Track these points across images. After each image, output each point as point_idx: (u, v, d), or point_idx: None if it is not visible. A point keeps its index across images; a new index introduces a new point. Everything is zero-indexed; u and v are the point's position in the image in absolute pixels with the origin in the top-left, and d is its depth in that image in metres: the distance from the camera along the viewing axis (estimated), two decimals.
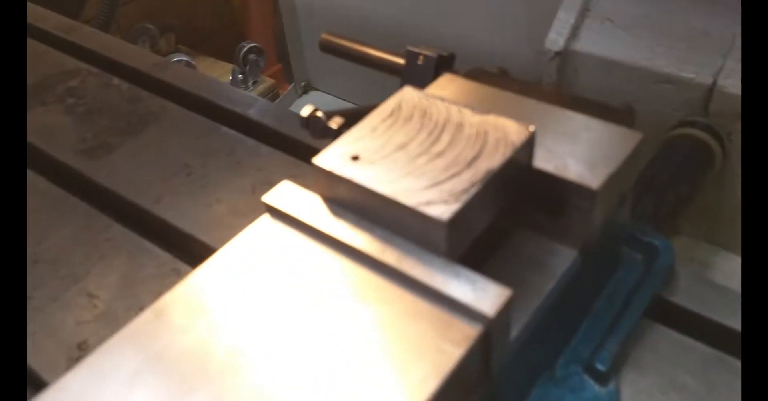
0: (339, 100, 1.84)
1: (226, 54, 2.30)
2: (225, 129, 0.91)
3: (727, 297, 0.63)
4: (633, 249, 0.66)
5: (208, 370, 0.42)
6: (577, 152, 0.53)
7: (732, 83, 1.11)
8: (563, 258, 0.54)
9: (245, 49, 2.19)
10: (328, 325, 0.44)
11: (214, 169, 0.85)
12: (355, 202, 0.49)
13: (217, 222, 0.77)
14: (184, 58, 2.20)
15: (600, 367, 0.57)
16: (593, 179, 0.51)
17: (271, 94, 2.22)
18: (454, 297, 0.44)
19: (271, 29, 2.46)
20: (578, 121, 0.57)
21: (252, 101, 0.94)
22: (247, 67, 2.20)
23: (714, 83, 1.14)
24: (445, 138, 0.50)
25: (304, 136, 0.83)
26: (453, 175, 0.47)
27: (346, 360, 0.42)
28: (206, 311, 0.46)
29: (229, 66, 2.22)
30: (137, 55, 1.06)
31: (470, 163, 0.48)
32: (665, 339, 0.62)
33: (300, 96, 1.88)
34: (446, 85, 0.62)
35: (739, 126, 1.13)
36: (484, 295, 0.43)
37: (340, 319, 0.44)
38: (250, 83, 2.23)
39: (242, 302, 0.46)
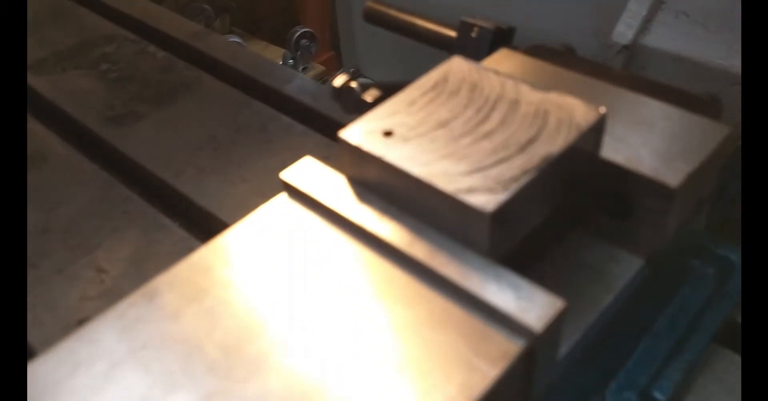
0: None
1: (280, 39, 2.25)
2: (259, 104, 0.85)
3: None
4: (704, 263, 0.57)
5: (197, 367, 0.36)
6: (654, 143, 0.45)
7: None
8: (627, 268, 0.46)
9: (297, 33, 2.14)
10: (342, 326, 0.37)
11: (242, 146, 0.79)
12: (384, 185, 0.42)
13: (240, 201, 0.71)
14: (237, 39, 2.17)
15: (659, 397, 0.49)
16: (671, 176, 0.43)
17: (321, 81, 2.17)
18: (493, 305, 0.36)
19: (327, 15, 2.41)
20: (656, 108, 0.49)
21: (290, 77, 0.87)
22: (299, 52, 2.15)
23: None
24: (496, 116, 0.42)
25: (343, 115, 0.76)
26: (502, 160, 0.39)
27: (360, 371, 0.35)
28: (205, 297, 0.39)
29: (281, 50, 2.17)
30: (177, 24, 1.00)
31: (524, 147, 0.40)
32: (734, 367, 0.53)
33: None
34: (503, 60, 0.55)
35: None
36: (530, 305, 0.36)
37: (356, 320, 0.37)
38: (300, 69, 2.18)
39: (247, 291, 0.40)
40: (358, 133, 0.42)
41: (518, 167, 0.39)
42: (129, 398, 0.35)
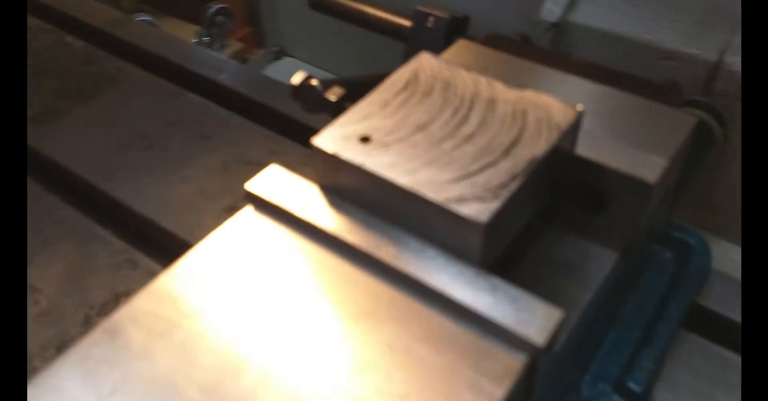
0: (317, 70, 1.72)
1: (192, 15, 2.15)
2: (191, 95, 0.80)
3: None
4: (663, 247, 0.58)
5: None
6: (625, 137, 0.45)
7: (739, 61, 1.04)
8: (603, 263, 0.46)
9: (213, 9, 2.05)
10: (333, 353, 0.35)
11: (178, 142, 0.74)
12: (364, 194, 0.39)
13: (181, 205, 0.66)
14: (147, 18, 2.05)
15: (634, 388, 0.49)
16: (648, 171, 0.42)
17: (239, 60, 2.09)
18: (492, 319, 0.35)
19: None
20: (621, 99, 0.49)
21: (223, 64, 0.83)
22: (215, 29, 2.06)
23: (719, 60, 1.06)
24: (475, 117, 0.41)
25: (284, 107, 0.73)
26: (488, 165, 0.38)
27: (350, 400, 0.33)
28: (175, 331, 0.36)
29: (195, 28, 2.08)
30: (95, 11, 0.93)
31: (508, 150, 0.38)
32: (701, 352, 0.54)
33: (271, 62, 1.76)
34: (463, 53, 0.53)
35: (740, 107, 1.06)
36: (531, 317, 0.35)
37: (347, 345, 0.35)
38: (216, 47, 2.10)
39: (222, 320, 0.36)
40: (333, 139, 0.39)
41: (505, 172, 0.37)
42: None
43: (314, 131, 0.40)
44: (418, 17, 0.60)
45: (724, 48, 1.06)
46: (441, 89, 0.43)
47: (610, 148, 0.44)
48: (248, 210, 0.42)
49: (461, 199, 0.36)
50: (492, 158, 0.38)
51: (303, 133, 0.64)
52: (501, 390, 0.33)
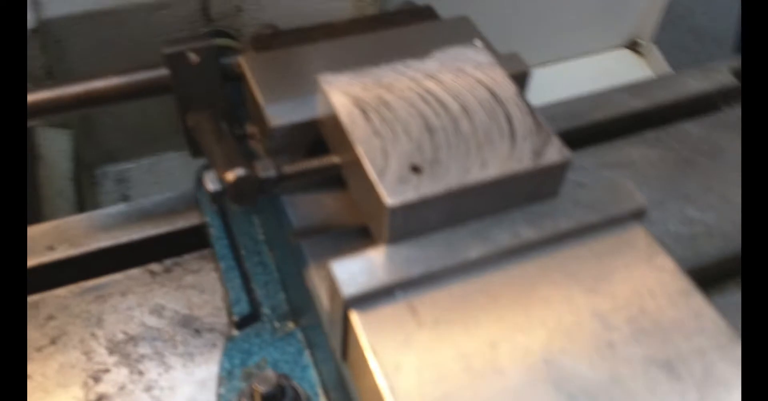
0: None
1: None
2: None
3: None
4: None
5: None
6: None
7: None
8: None
9: None
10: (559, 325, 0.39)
11: None
12: (435, 214, 0.41)
13: None
14: None
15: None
16: None
17: None
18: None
19: None
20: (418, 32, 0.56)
21: None
22: None
23: None
24: (455, 108, 0.44)
25: None
26: (516, 136, 0.43)
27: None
28: None
29: None
30: None
31: (510, 122, 0.43)
32: None
33: None
34: (258, 66, 0.52)
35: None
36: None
37: (563, 314, 0.40)
38: None
39: None
40: (391, 188, 0.39)
41: (537, 133, 0.43)
42: None
43: None
44: (173, 59, 0.53)
45: None
46: (391, 101, 0.44)
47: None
48: (358, 317, 0.40)
49: (537, 153, 0.41)
50: (507, 130, 0.43)
51: None
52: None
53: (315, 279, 0.49)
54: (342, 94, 0.44)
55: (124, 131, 1.55)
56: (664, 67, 1.82)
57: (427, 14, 0.60)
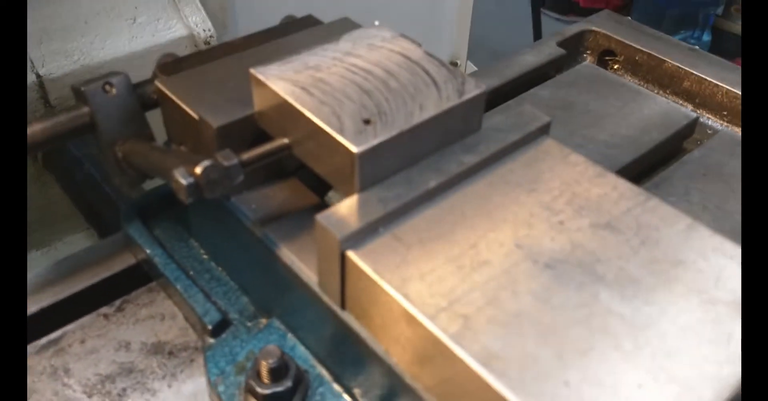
0: None
1: None
2: None
3: None
4: None
5: None
6: None
7: None
8: None
9: None
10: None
11: None
12: (393, 157, 0.48)
13: None
14: None
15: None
16: None
17: None
18: None
19: None
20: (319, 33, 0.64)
21: None
22: None
23: None
24: (380, 73, 0.51)
25: None
26: (438, 83, 0.51)
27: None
28: None
29: None
30: None
31: (429, 74, 0.52)
32: None
33: None
34: (184, 86, 0.58)
35: None
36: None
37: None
38: None
39: None
40: (358, 140, 0.46)
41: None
42: None
43: None
44: (92, 96, 0.55)
45: None
46: (321, 74, 0.51)
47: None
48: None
49: (462, 91, 0.50)
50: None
51: None
52: None
53: (291, 256, 0.54)
54: (279, 80, 0.51)
55: None
56: None
57: (312, 22, 0.68)
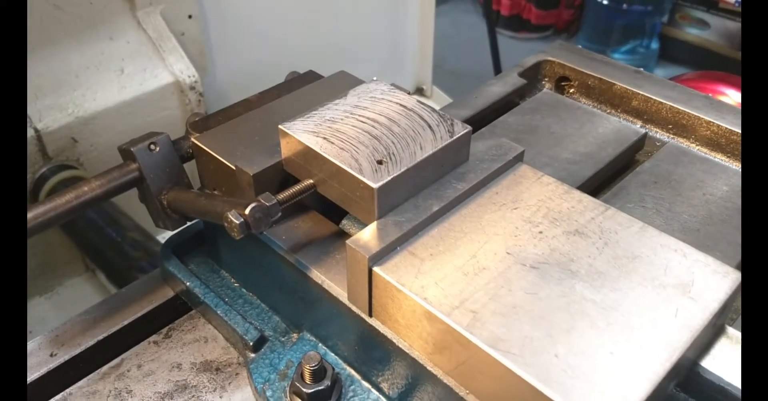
0: None
1: None
2: None
3: None
4: None
5: None
6: None
7: None
8: None
9: None
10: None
11: None
12: (402, 189, 0.60)
13: None
14: None
15: None
16: None
17: None
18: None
19: None
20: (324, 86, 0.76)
21: None
22: None
23: None
24: (384, 121, 0.63)
25: None
26: (432, 126, 0.63)
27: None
28: None
29: None
30: None
31: (423, 119, 0.64)
32: None
33: None
34: (216, 141, 0.69)
35: None
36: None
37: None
38: None
39: None
40: (375, 178, 0.57)
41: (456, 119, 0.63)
42: None
43: None
44: (139, 153, 0.67)
45: None
46: (336, 125, 0.62)
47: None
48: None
49: (441, 138, 0.61)
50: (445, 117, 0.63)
51: None
52: None
53: (321, 276, 0.65)
54: (304, 133, 0.62)
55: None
56: (449, 102, 2.19)
57: (313, 76, 0.80)
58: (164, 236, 1.45)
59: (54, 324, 1.55)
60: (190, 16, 1.62)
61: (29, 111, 1.47)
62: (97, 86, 1.54)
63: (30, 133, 1.45)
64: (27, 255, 1.54)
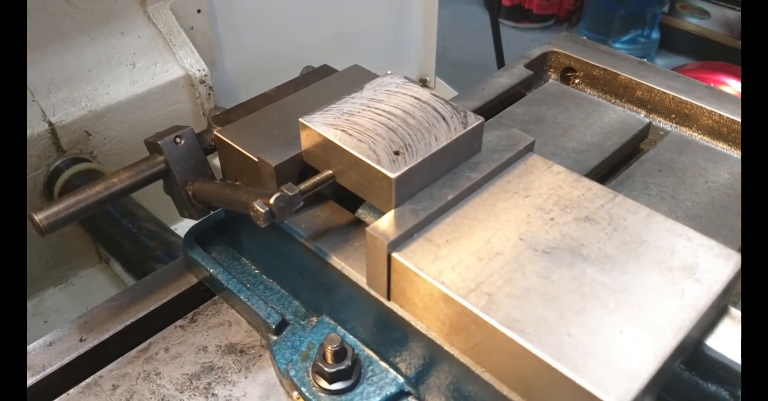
0: None
1: None
2: None
3: None
4: None
5: None
6: None
7: None
8: None
9: None
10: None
11: None
12: (418, 178, 0.62)
13: None
14: None
15: None
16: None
17: None
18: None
19: None
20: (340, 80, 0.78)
21: None
22: None
23: None
24: (400, 113, 0.66)
25: None
26: (445, 118, 0.66)
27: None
28: None
29: None
30: None
31: (437, 111, 0.67)
32: None
33: None
34: (237, 134, 0.72)
35: None
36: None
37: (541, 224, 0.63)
38: None
39: None
40: (392, 168, 0.60)
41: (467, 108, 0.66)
42: None
43: None
44: (166, 147, 0.68)
45: None
46: (354, 118, 0.65)
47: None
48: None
49: (465, 122, 0.64)
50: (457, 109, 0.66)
51: None
52: None
53: (340, 263, 0.68)
54: (323, 125, 0.65)
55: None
56: (453, 93, 2.23)
57: (328, 70, 0.83)
58: (176, 227, 1.48)
59: (69, 314, 1.60)
60: (198, 11, 1.64)
61: (42, 105, 1.49)
62: (110, 80, 1.56)
63: (44, 126, 1.48)
64: (37, 248, 1.57)
